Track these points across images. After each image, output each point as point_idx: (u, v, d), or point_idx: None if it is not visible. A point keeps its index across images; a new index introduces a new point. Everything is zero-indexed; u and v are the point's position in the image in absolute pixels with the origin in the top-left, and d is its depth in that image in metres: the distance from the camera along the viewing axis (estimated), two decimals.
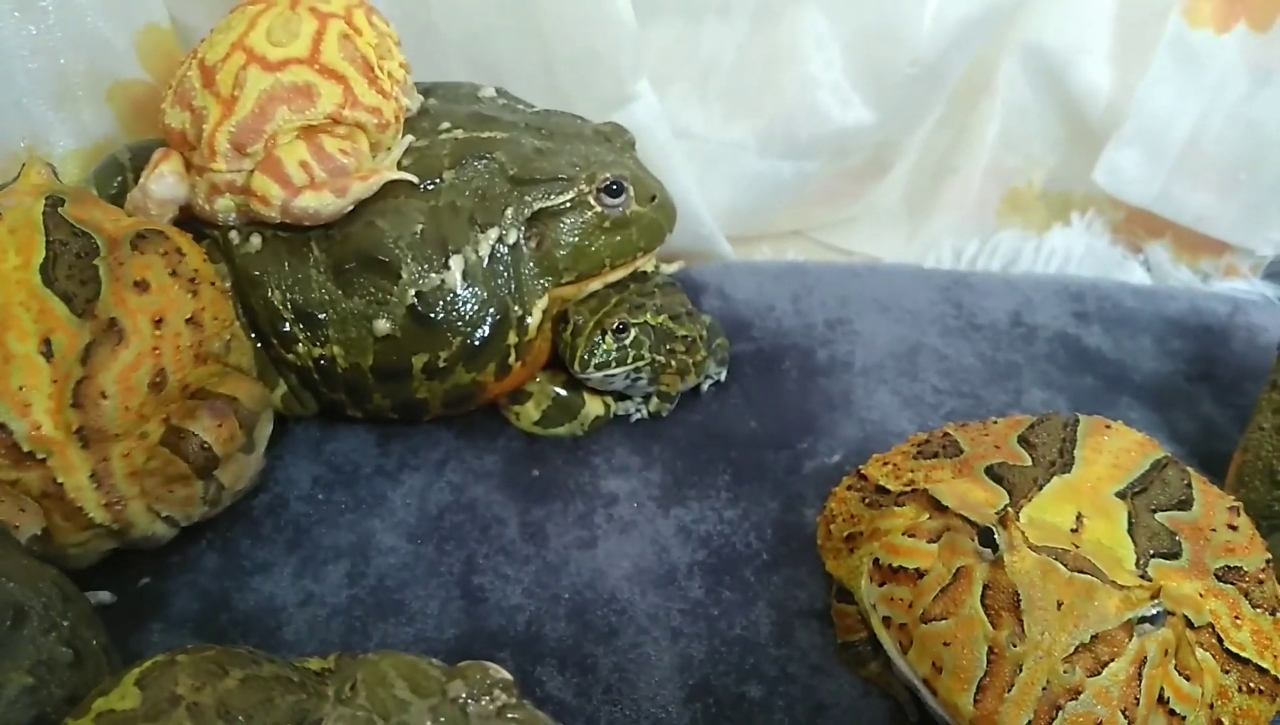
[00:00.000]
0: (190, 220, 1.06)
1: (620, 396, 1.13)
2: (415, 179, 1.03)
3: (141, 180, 1.05)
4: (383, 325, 1.01)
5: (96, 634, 0.82)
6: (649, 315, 1.08)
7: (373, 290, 1.01)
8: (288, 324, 1.03)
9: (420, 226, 1.01)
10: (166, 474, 0.94)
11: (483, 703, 0.70)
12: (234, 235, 1.05)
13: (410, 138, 1.07)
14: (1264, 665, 0.82)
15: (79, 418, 0.89)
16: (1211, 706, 0.80)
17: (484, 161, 1.05)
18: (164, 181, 1.03)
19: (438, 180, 1.04)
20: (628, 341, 1.07)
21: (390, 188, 1.02)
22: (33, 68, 1.12)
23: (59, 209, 0.96)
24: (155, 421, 0.94)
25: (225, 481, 0.98)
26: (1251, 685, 0.81)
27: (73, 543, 0.92)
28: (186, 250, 1.00)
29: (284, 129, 0.99)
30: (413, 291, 1.01)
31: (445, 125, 1.08)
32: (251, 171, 1.00)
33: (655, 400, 1.13)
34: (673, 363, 1.11)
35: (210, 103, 1.00)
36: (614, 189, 1.05)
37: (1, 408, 0.88)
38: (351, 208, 1.01)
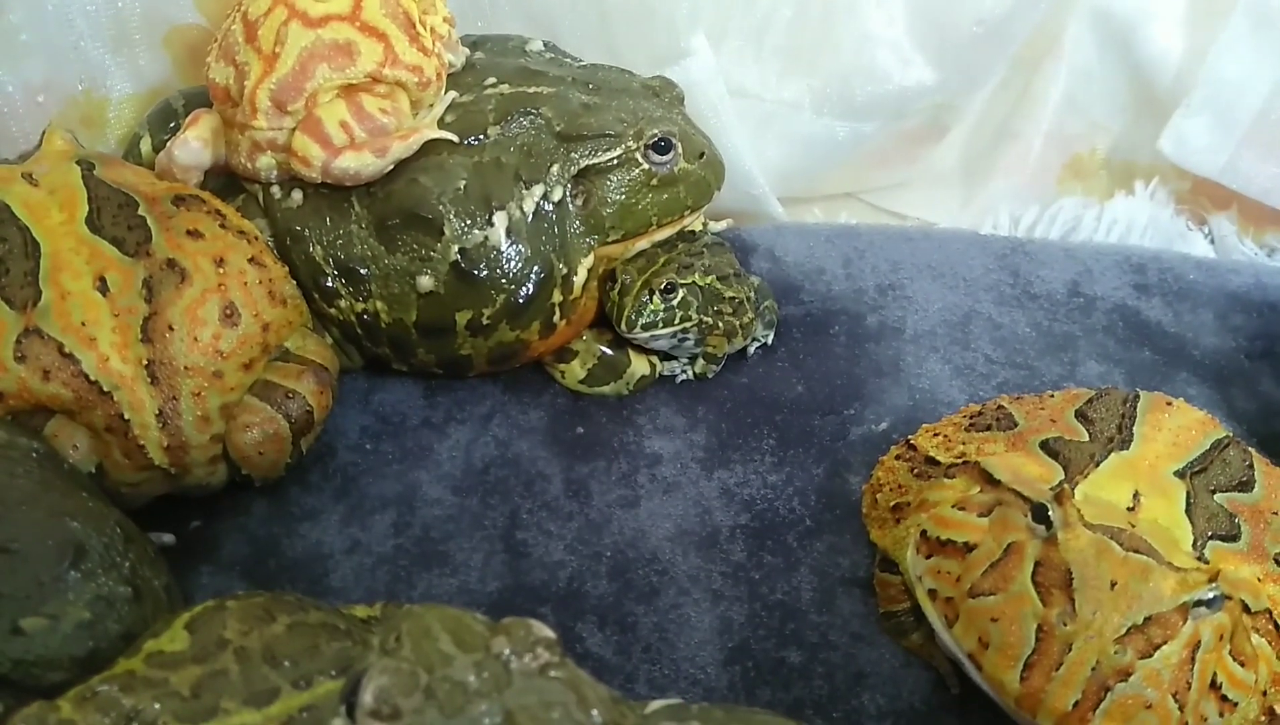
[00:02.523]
0: (229, 175, 1.07)
1: (666, 357, 1.12)
2: (455, 138, 1.02)
3: (168, 145, 1.05)
4: (426, 281, 1.01)
5: (158, 574, 0.84)
6: (697, 276, 1.07)
7: (416, 246, 1.01)
8: (330, 279, 1.03)
9: (464, 182, 1.01)
10: (262, 432, 0.95)
11: (526, 660, 0.70)
12: (275, 190, 1.04)
13: (454, 94, 1.06)
14: None
15: (148, 351, 0.91)
16: (1265, 694, 0.79)
17: (530, 117, 1.03)
18: (189, 148, 1.04)
19: (482, 136, 1.02)
20: (675, 302, 1.06)
21: (433, 145, 1.01)
22: (90, 10, 1.12)
23: (92, 171, 0.97)
24: (234, 364, 0.95)
25: (304, 447, 1.00)
26: None
27: (127, 482, 0.94)
28: (226, 212, 1.01)
29: (324, 87, 0.99)
30: (456, 248, 1.00)
31: (491, 80, 1.07)
32: (293, 130, 1.00)
33: (701, 361, 1.12)
34: (720, 324, 1.10)
35: (252, 58, 0.99)
36: (662, 145, 1.03)
37: (68, 340, 0.90)
38: (393, 167, 1.01)
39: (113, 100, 1.18)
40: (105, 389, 0.90)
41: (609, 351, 1.10)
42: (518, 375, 1.12)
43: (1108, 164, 1.44)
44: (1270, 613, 0.79)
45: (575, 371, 1.11)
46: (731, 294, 1.10)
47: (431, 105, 1.05)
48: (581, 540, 1.00)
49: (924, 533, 0.84)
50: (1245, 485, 0.85)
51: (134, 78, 1.18)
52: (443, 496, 1.03)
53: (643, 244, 1.08)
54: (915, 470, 0.93)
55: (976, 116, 1.43)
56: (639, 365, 1.11)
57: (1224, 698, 0.75)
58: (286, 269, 1.02)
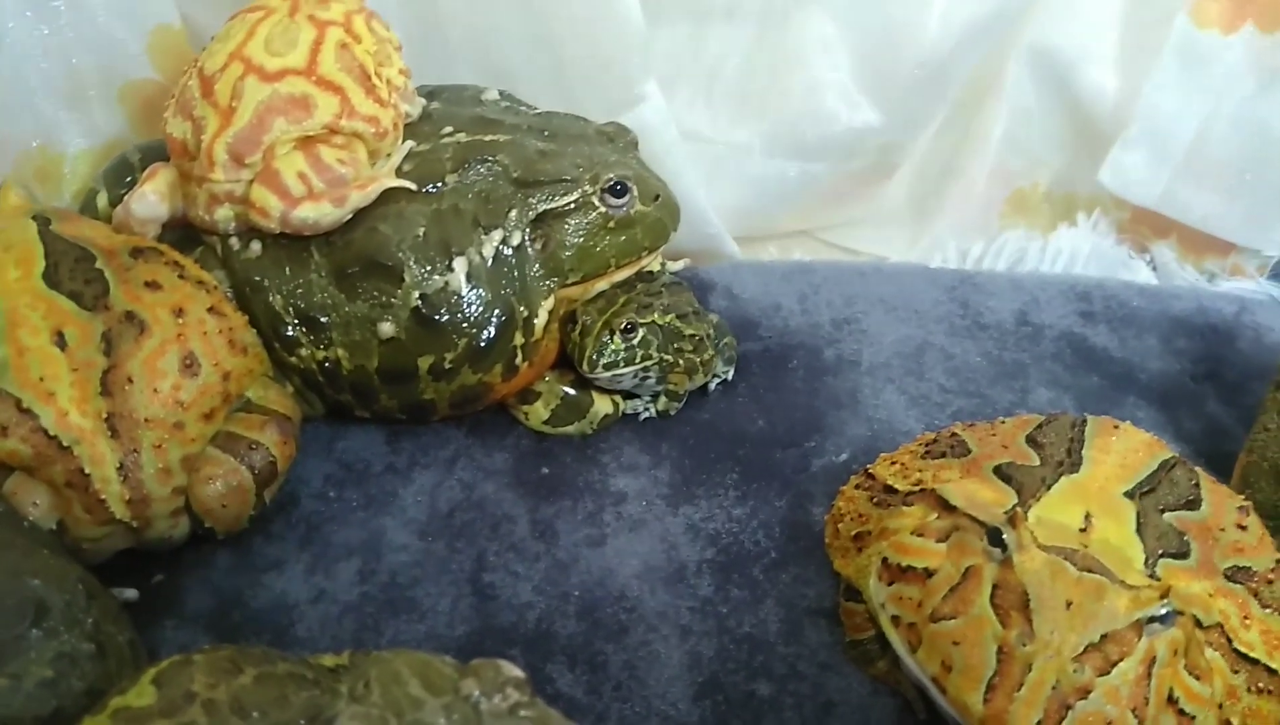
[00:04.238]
0: (186, 227, 1.07)
1: (629, 395, 1.13)
2: (414, 186, 1.03)
3: (125, 199, 1.06)
4: (387, 328, 1.02)
5: (121, 630, 0.83)
6: (656, 315, 1.09)
7: (376, 293, 1.02)
8: (290, 328, 1.04)
9: (422, 230, 1.02)
10: (225, 484, 0.95)
11: (495, 700, 0.70)
12: (233, 242, 1.05)
13: (411, 143, 1.07)
14: (1273, 666, 0.82)
15: (108, 404, 0.90)
16: (1220, 706, 0.80)
17: (487, 164, 1.05)
18: (146, 201, 1.04)
19: (440, 184, 1.04)
20: (636, 341, 1.07)
21: (392, 193, 1.03)
22: (45, 67, 1.12)
23: (48, 226, 0.97)
24: (195, 415, 0.94)
25: (267, 498, 0.99)
26: (1260, 685, 0.82)
27: (89, 537, 0.93)
28: (184, 263, 1.01)
29: (281, 140, 1.00)
30: (417, 294, 1.01)
31: (448, 129, 1.09)
32: (250, 182, 1.01)
33: (663, 399, 1.13)
34: (680, 362, 1.11)
35: (209, 112, 1.00)
36: (618, 189, 1.05)
37: (26, 396, 0.89)
38: (351, 216, 1.02)
39: (68, 155, 1.18)
40: (65, 444, 0.89)
41: (572, 392, 1.11)
42: (481, 418, 1.13)
43: (1049, 197, 1.49)
44: (1222, 627, 0.81)
45: (539, 412, 1.11)
46: (691, 332, 1.12)
47: (389, 155, 1.06)
48: (549, 580, 1.00)
49: (885, 560, 0.85)
50: (1193, 504, 0.88)
51: (89, 132, 1.18)
52: (409, 542, 1.03)
53: (602, 285, 1.09)
54: (875, 499, 0.95)
55: (922, 155, 1.47)
56: (602, 405, 1.12)
57: (1181, 712, 0.76)
58: (246, 318, 1.02)
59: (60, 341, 0.91)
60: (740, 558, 1.02)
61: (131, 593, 0.95)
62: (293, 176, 1.00)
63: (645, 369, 1.09)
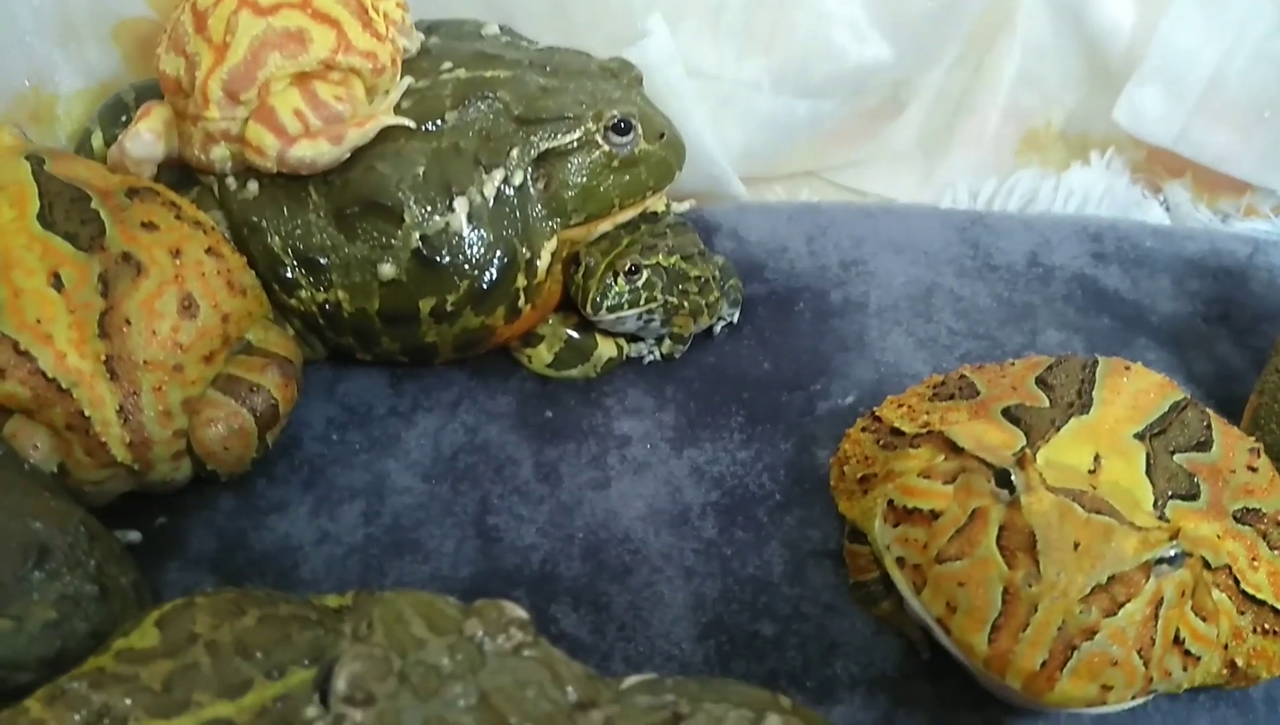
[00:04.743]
0: (183, 167, 1.05)
1: (633, 338, 1.12)
2: (412, 124, 1.01)
3: (120, 138, 1.04)
4: (387, 269, 1.00)
5: (125, 571, 0.83)
6: (661, 256, 1.07)
7: (376, 234, 1.00)
8: (289, 270, 1.02)
9: (422, 169, 1.00)
10: (226, 427, 0.94)
11: (499, 640, 0.70)
12: (230, 181, 1.03)
13: (409, 79, 1.05)
14: (1279, 607, 0.82)
15: (106, 347, 0.89)
16: (1226, 647, 0.80)
17: (487, 101, 1.03)
18: (141, 140, 1.02)
19: (440, 121, 1.02)
20: (640, 283, 1.06)
21: (390, 131, 1.01)
22: (36, 5, 1.10)
23: (43, 166, 0.96)
24: (195, 357, 0.94)
25: (269, 440, 0.99)
26: (1266, 626, 0.81)
27: (90, 480, 0.92)
28: (181, 203, 1.00)
29: (277, 76, 0.98)
30: (417, 235, 0.99)
31: (447, 65, 1.06)
32: (246, 120, 0.99)
33: (668, 342, 1.12)
34: (685, 304, 1.10)
35: (202, 48, 0.98)
36: (622, 127, 1.03)
37: (23, 338, 0.88)
38: (349, 155, 1.00)
39: (62, 96, 1.16)
40: (64, 386, 0.89)
41: (575, 335, 1.10)
42: (484, 361, 1.12)
43: (1063, 136, 1.46)
44: (1230, 568, 0.81)
45: (542, 356, 1.10)
46: (697, 273, 1.10)
47: (387, 91, 1.04)
48: (553, 523, 1.00)
49: (891, 502, 0.84)
50: (1203, 445, 0.87)
51: (83, 72, 1.16)
52: (412, 484, 1.03)
53: (605, 226, 1.08)
54: (881, 442, 0.94)
55: (933, 92, 1.44)
56: (606, 348, 1.11)
57: (1187, 652, 0.76)
58: (244, 259, 1.01)
59: (57, 283, 0.90)
60: (745, 500, 1.02)
61: (135, 535, 0.95)
62: (289, 114, 0.98)
63: (649, 311, 1.08)
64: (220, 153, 1.01)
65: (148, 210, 0.96)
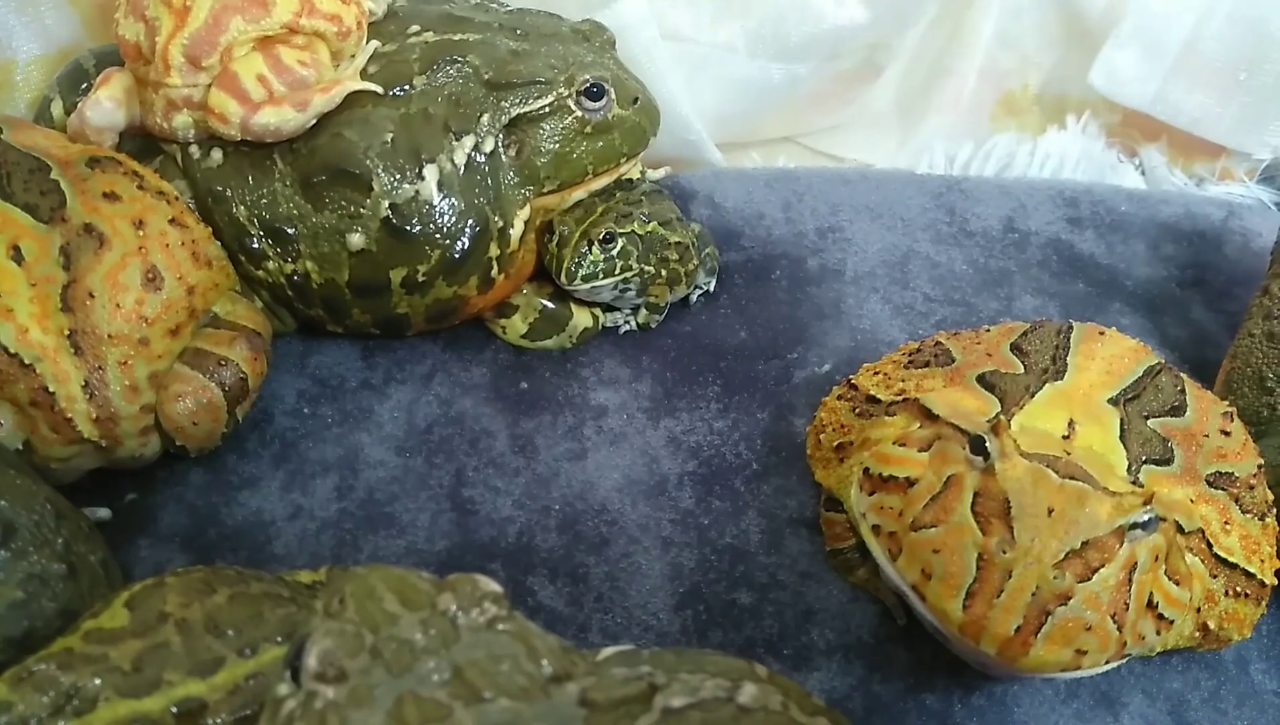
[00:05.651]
0: (145, 136, 1.03)
1: (609, 308, 1.11)
2: (380, 89, 0.99)
3: (80, 106, 1.01)
4: (356, 239, 0.99)
5: (93, 549, 0.82)
6: (636, 224, 1.06)
7: (344, 203, 0.98)
8: (256, 241, 1.00)
9: (390, 135, 0.98)
10: (195, 402, 0.93)
11: (472, 615, 0.70)
12: (194, 150, 1.01)
13: (376, 43, 1.03)
14: (1251, 570, 0.83)
15: (69, 321, 0.88)
16: (1199, 610, 0.81)
17: (457, 66, 1.01)
18: (101, 108, 1.00)
19: (408, 86, 1.00)
20: (615, 252, 1.05)
21: (357, 97, 0.99)
22: None
23: (1, 135, 0.93)
24: (160, 330, 0.92)
25: (239, 415, 0.97)
26: (1238, 589, 0.82)
27: (56, 457, 0.91)
28: (144, 173, 0.98)
29: (239, 40, 0.95)
30: (386, 203, 0.98)
31: (414, 28, 1.04)
32: (208, 86, 0.96)
33: (644, 311, 1.11)
34: (662, 272, 1.09)
35: (162, 13, 0.95)
36: (594, 91, 1.01)
37: None
38: (314, 121, 0.98)
39: (19, 62, 1.13)
40: (26, 361, 0.87)
41: (550, 305, 1.09)
42: (458, 332, 1.11)
43: (1040, 99, 1.45)
44: (1203, 532, 0.81)
45: (517, 326, 1.09)
46: (676, 239, 1.09)
47: (353, 56, 1.02)
48: (529, 495, 0.99)
49: (866, 470, 0.84)
50: (1177, 410, 0.87)
51: (41, 38, 1.13)
52: (386, 458, 1.02)
53: (580, 194, 1.06)
54: (857, 409, 0.94)
55: (910, 55, 1.43)
56: (581, 317, 1.10)
57: (1161, 616, 0.76)
58: (210, 230, 0.99)
59: (17, 256, 0.88)
60: (721, 470, 1.01)
61: (104, 512, 0.94)
62: (252, 79, 0.95)
63: (625, 280, 1.07)
64: (183, 120, 0.99)
65: (110, 180, 0.94)
